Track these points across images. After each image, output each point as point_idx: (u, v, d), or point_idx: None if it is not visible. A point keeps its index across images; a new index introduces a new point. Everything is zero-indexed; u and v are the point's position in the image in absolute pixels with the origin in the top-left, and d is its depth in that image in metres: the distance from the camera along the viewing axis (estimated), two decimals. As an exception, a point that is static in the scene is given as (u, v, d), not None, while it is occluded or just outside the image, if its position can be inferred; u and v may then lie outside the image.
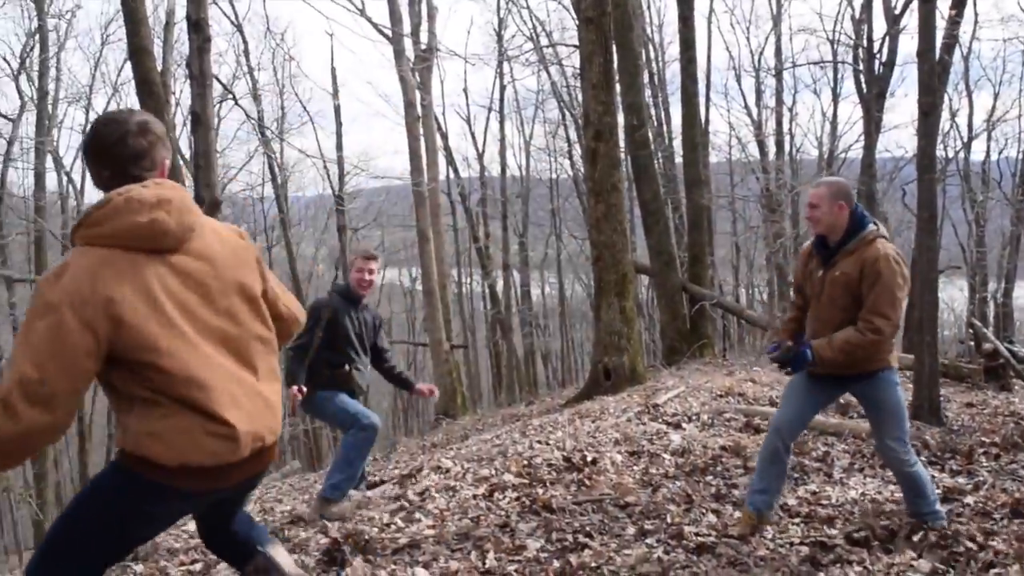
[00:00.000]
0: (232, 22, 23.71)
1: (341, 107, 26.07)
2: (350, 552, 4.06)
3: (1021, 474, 5.53)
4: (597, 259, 10.89)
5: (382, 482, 6.22)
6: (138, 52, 11.57)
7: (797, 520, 4.52)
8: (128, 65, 15.63)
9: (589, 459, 5.77)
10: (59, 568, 2.39)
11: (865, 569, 3.72)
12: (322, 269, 32.30)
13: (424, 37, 19.25)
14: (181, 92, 22.41)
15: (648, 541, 4.14)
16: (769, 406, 7.91)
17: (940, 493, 4.90)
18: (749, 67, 27.80)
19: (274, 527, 5.17)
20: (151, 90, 11.44)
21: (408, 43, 18.42)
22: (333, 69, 49.82)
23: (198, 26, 10.35)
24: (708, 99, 23.98)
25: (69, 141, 46.04)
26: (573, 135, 26.96)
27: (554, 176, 31.69)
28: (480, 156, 30.60)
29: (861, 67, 19.45)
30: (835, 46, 24.25)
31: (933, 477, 5.33)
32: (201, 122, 10.50)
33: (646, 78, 21.02)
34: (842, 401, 8.22)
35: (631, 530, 4.33)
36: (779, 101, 25.80)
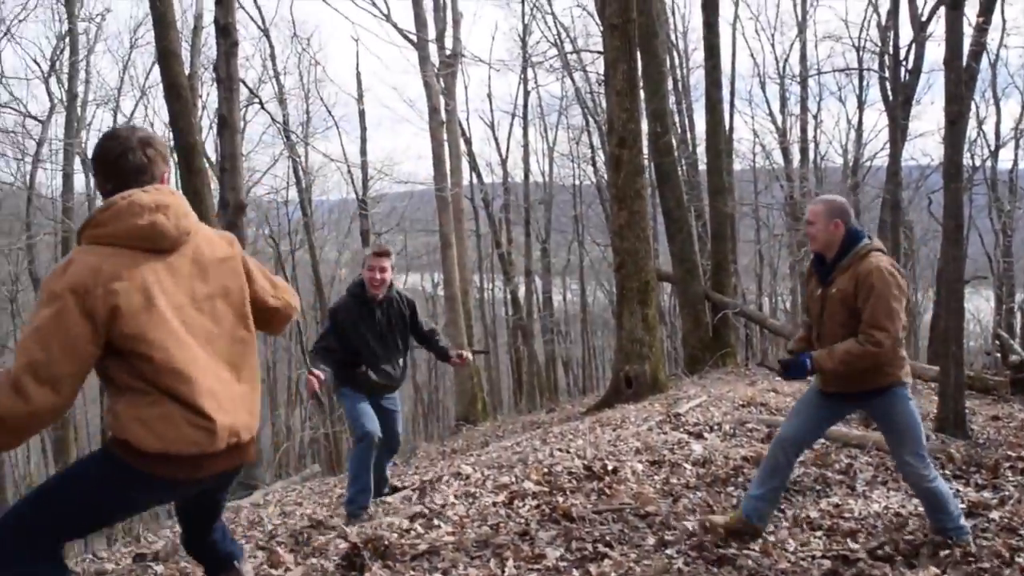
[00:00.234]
0: (259, 26, 23.84)
1: (366, 112, 26.25)
2: (369, 558, 4.07)
3: (1048, 489, 5.45)
4: (620, 266, 10.87)
5: (403, 487, 6.23)
6: (166, 55, 11.69)
7: (819, 533, 4.48)
8: (156, 68, 15.80)
9: (610, 468, 5.74)
10: (21, 539, 2.51)
11: (888, 584, 3.69)
12: (345, 273, 32.42)
13: (449, 42, 19.33)
14: (208, 95, 22.61)
15: (668, 552, 4.12)
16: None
17: (965, 507, 4.84)
18: (774, 74, 27.61)
19: (293, 530, 5.19)
20: (179, 93, 11.55)
21: (433, 48, 18.51)
22: (358, 74, 49.93)
23: (226, 30, 10.48)
24: (732, 106, 23.97)
25: (97, 143, 46.36)
26: (597, 141, 26.96)
27: (577, 182, 31.67)
28: (503, 162, 30.62)
29: (887, 74, 19.35)
30: (861, 53, 24.17)
31: (958, 492, 5.27)
32: (227, 125, 10.62)
33: (670, 85, 20.97)
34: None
35: (651, 540, 4.31)
36: (804, 108, 25.67)
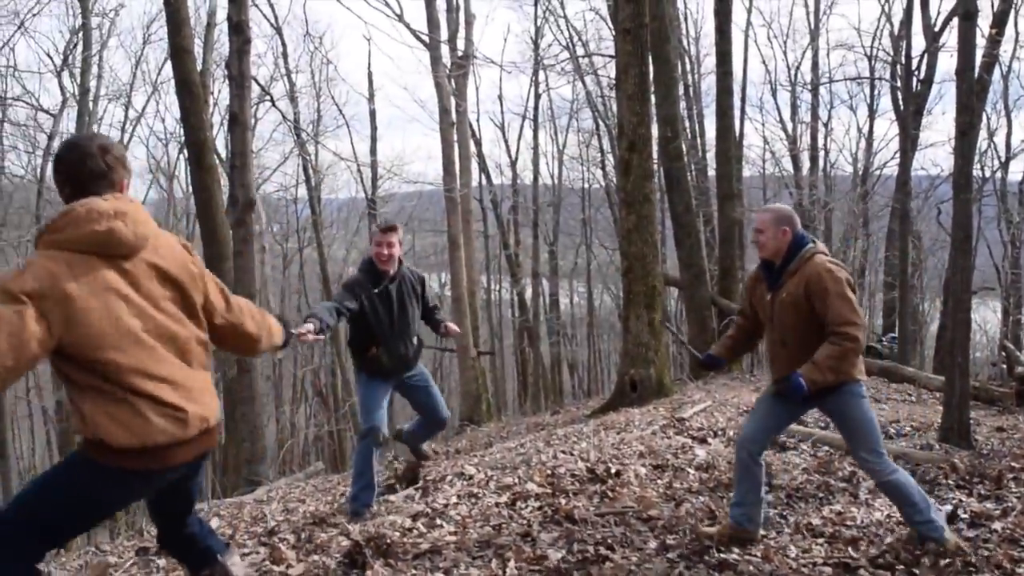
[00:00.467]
0: (272, 24, 23.91)
1: (376, 111, 26.27)
2: (371, 556, 4.08)
3: (1052, 502, 5.44)
4: (627, 270, 10.87)
5: (397, 486, 6.25)
6: (179, 52, 11.75)
7: (821, 540, 4.47)
8: (168, 64, 15.83)
9: (613, 471, 5.75)
10: (14, 540, 2.58)
11: (889, 592, 3.68)
12: (352, 271, 32.42)
13: (461, 44, 19.32)
14: (220, 92, 22.63)
15: (670, 556, 4.12)
16: (796, 424, 7.84)
17: (967, 518, 4.84)
18: (785, 81, 27.65)
19: (296, 527, 5.21)
20: (190, 90, 11.61)
21: (445, 49, 18.51)
22: (370, 73, 49.68)
23: (238, 28, 10.50)
24: (743, 112, 23.99)
25: (108, 137, 46.49)
26: (606, 145, 26.95)
27: (586, 185, 31.72)
28: (513, 163, 30.65)
29: (899, 84, 19.33)
30: (873, 62, 24.15)
31: (960, 501, 5.27)
32: (238, 122, 10.65)
33: (681, 90, 20.96)
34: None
35: (653, 544, 4.32)
36: (815, 116, 25.69)
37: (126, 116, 26.26)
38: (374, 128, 25.90)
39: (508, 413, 24.79)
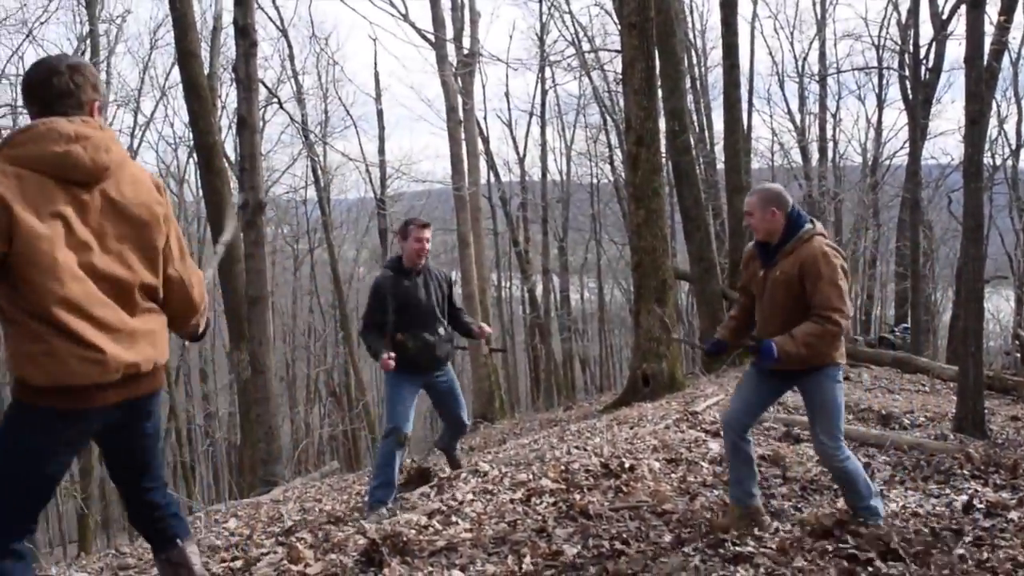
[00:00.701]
0: (278, 27, 23.93)
1: (384, 111, 26.29)
2: (388, 554, 4.10)
3: (1067, 489, 5.43)
4: (637, 265, 10.87)
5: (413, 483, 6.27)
6: (186, 56, 11.79)
7: (836, 532, 4.48)
8: (176, 69, 15.90)
9: (627, 466, 5.76)
10: None
11: (904, 582, 3.69)
12: (363, 272, 32.52)
13: (467, 42, 19.36)
14: (227, 95, 22.73)
15: (685, 549, 4.13)
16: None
17: (983, 508, 4.83)
18: (793, 72, 27.52)
19: (313, 526, 5.24)
20: (198, 93, 11.65)
21: (451, 48, 18.54)
22: (376, 74, 49.94)
23: (245, 31, 10.54)
24: (751, 104, 23.89)
25: (117, 142, 46.66)
26: (614, 140, 26.94)
27: (595, 181, 31.68)
28: (521, 160, 30.68)
29: (907, 73, 19.27)
30: (881, 52, 24.07)
31: (976, 491, 5.26)
32: (246, 125, 10.69)
33: (688, 83, 20.93)
34: (883, 412, 8.14)
35: (668, 538, 4.33)
36: (823, 107, 25.63)
37: (135, 121, 26.38)
38: (382, 128, 25.96)
39: (521, 410, 24.83)
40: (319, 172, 25.38)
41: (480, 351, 17.23)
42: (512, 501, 5.13)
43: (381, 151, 25.82)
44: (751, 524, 4.35)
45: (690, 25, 24.72)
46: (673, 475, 5.73)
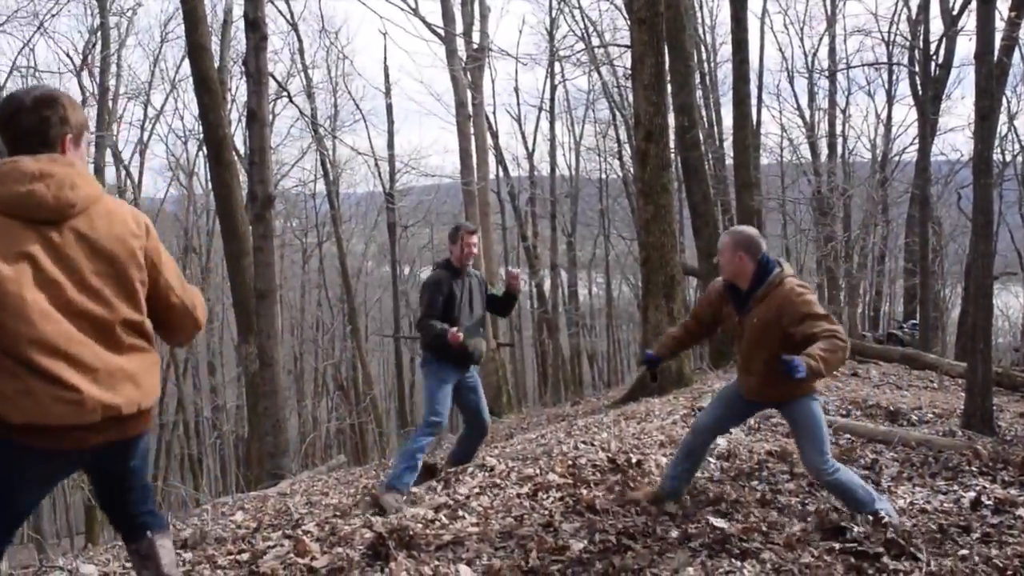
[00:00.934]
0: (288, 21, 23.96)
1: (393, 105, 26.30)
2: (394, 547, 4.11)
3: (1076, 487, 5.41)
4: (645, 260, 10.86)
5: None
6: (196, 49, 11.82)
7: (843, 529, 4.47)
8: (186, 62, 15.92)
9: (634, 461, 5.76)
10: None
11: (912, 579, 3.68)
12: (371, 265, 32.56)
13: (476, 36, 19.33)
14: (237, 89, 22.76)
15: (692, 545, 4.13)
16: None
17: (991, 504, 4.83)
18: (802, 68, 27.43)
19: (319, 519, 5.25)
20: (208, 87, 11.68)
21: (460, 42, 18.51)
22: (386, 68, 50.08)
23: (255, 25, 10.54)
24: (760, 100, 23.81)
25: (128, 136, 46.85)
26: (623, 135, 26.90)
27: (603, 176, 31.66)
28: (530, 155, 30.67)
29: (917, 69, 19.19)
30: (890, 47, 23.93)
31: (984, 488, 5.25)
32: (256, 119, 10.69)
33: (697, 79, 20.88)
34: (891, 408, 8.12)
35: (675, 533, 4.33)
36: (832, 103, 25.51)
37: (145, 114, 26.50)
38: (391, 122, 25.97)
39: (528, 404, 24.83)
40: (328, 166, 25.41)
41: (488, 346, 17.22)
42: (519, 496, 5.14)
43: (390, 145, 25.85)
44: (657, 504, 4.67)
45: (700, 20, 24.65)
46: (680, 471, 5.71)
